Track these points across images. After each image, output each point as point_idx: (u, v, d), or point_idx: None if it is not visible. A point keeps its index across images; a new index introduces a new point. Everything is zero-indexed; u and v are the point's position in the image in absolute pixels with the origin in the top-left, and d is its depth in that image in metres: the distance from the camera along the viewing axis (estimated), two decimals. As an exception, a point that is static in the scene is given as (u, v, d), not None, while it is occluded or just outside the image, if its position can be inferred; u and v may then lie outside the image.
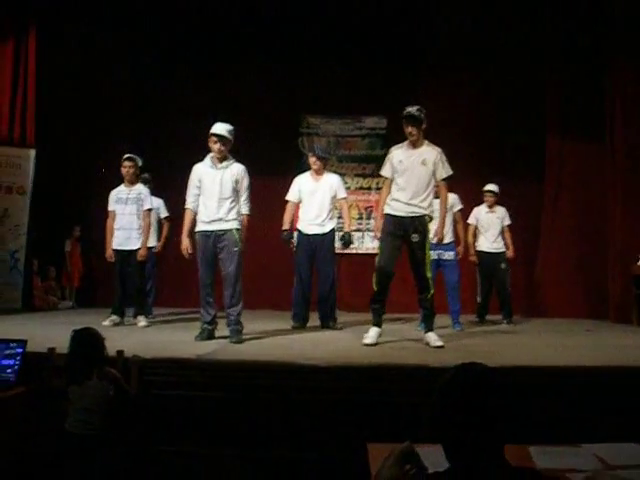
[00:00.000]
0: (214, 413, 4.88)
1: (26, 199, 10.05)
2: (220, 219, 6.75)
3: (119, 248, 8.35)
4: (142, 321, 8.33)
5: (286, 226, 8.30)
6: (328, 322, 8.21)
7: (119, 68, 11.31)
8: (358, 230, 11.80)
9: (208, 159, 6.93)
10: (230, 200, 6.78)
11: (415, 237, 6.53)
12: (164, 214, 9.48)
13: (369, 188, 11.65)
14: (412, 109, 6.61)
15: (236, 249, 6.71)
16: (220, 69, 11.59)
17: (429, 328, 6.68)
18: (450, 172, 6.81)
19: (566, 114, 10.83)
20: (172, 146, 11.16)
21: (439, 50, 11.34)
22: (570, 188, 10.81)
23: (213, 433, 4.82)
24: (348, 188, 11.08)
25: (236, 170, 6.87)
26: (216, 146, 6.79)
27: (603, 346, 6.86)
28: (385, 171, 6.87)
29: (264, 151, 10.81)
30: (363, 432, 4.22)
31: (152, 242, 8.92)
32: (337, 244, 8.48)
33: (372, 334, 6.54)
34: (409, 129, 6.62)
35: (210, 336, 6.77)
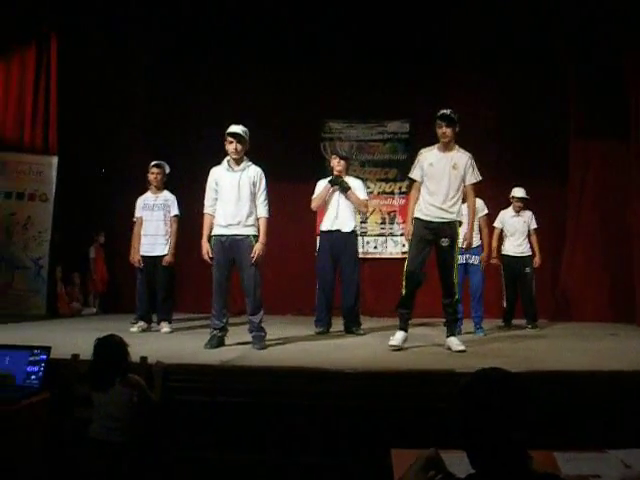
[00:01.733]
0: (238, 419, 4.87)
1: (49, 206, 10.08)
2: (238, 223, 6.70)
3: (146, 254, 8.41)
4: (165, 327, 8.35)
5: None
6: (352, 328, 8.19)
7: (139, 75, 11.35)
8: (381, 235, 11.77)
9: (225, 162, 6.90)
10: (248, 204, 6.73)
11: (445, 242, 6.52)
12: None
13: (392, 193, 11.60)
14: (446, 110, 6.59)
15: (253, 255, 6.67)
16: (239, 74, 11.57)
17: (452, 333, 6.66)
18: (480, 177, 6.81)
19: (590, 116, 10.73)
20: (192, 153, 11.17)
21: (461, 53, 11.28)
22: (595, 191, 10.71)
23: (237, 439, 4.81)
24: (371, 193, 11.09)
25: (253, 172, 6.82)
26: (232, 146, 6.75)
27: (627, 350, 6.79)
28: (415, 174, 6.83)
29: (286, 157, 10.81)
30: (387, 438, 4.20)
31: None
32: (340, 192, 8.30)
33: (398, 337, 6.52)
34: (443, 129, 6.60)
35: (220, 343, 6.68)
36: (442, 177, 6.60)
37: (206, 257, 6.82)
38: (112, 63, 10.87)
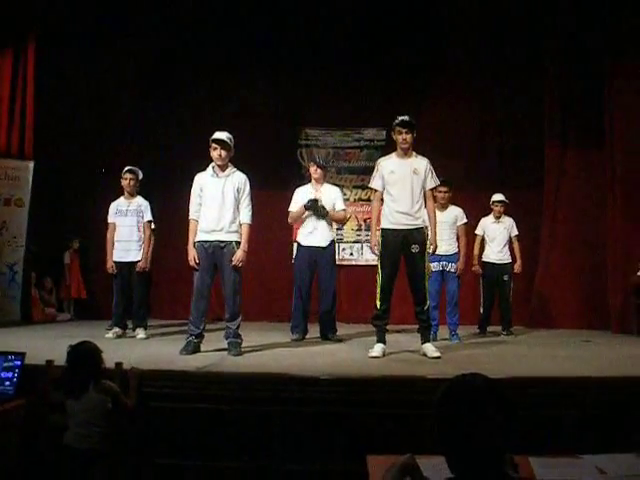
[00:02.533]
0: (213, 425, 4.86)
1: (24, 211, 10.04)
2: (221, 229, 6.66)
3: (119, 260, 8.37)
4: (141, 333, 8.32)
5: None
6: (328, 334, 8.20)
7: (118, 80, 11.29)
8: (357, 242, 11.81)
9: (210, 168, 6.85)
10: (232, 210, 6.69)
11: (415, 248, 6.51)
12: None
13: (368, 199, 11.62)
14: (405, 117, 6.61)
15: (234, 261, 6.65)
16: (218, 81, 11.60)
17: (426, 339, 6.66)
18: (438, 182, 6.90)
19: (565, 123, 10.85)
20: (171, 158, 11.17)
21: (437, 62, 11.39)
22: (569, 198, 10.79)
23: (212, 446, 4.80)
24: (347, 200, 11.12)
25: (237, 179, 6.79)
26: (216, 152, 6.70)
27: (598, 357, 6.85)
28: (375, 184, 6.81)
29: (263, 163, 10.78)
30: (363, 444, 4.20)
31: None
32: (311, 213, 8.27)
33: (377, 349, 6.49)
34: (404, 136, 6.60)
35: (196, 349, 6.61)
36: (405, 183, 6.59)
37: (192, 263, 6.73)
38: (91, 68, 10.84)
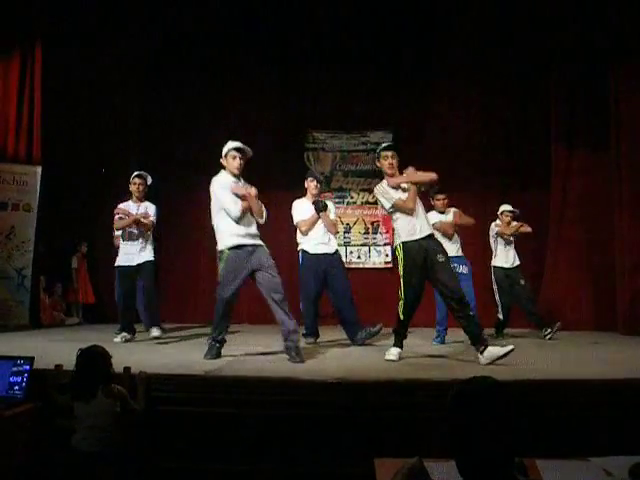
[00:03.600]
0: (221, 429, 4.87)
1: (32, 216, 10.06)
2: (256, 234, 6.65)
3: (126, 264, 8.37)
4: (155, 331, 8.39)
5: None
6: (357, 335, 8.01)
7: (125, 84, 11.33)
8: (364, 245, 11.81)
9: (227, 174, 6.68)
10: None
11: (441, 257, 6.48)
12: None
13: (375, 203, 11.62)
14: (390, 142, 6.61)
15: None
16: (224, 84, 11.64)
17: (484, 343, 6.25)
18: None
19: (572, 125, 10.84)
20: (177, 160, 11.22)
21: (443, 65, 11.39)
22: (577, 200, 10.78)
23: (219, 449, 4.81)
24: (354, 203, 11.19)
25: (252, 189, 6.70)
26: (236, 161, 6.60)
27: (608, 358, 6.82)
28: (392, 203, 6.71)
29: (270, 167, 10.83)
30: (371, 447, 4.21)
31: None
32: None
33: (395, 352, 6.49)
34: (393, 161, 6.72)
35: (219, 354, 6.60)
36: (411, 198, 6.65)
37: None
38: (98, 72, 10.84)
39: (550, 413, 4.66)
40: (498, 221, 9.42)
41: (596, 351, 7.68)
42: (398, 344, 6.59)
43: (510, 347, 6.09)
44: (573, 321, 10.42)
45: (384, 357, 6.48)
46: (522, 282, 9.26)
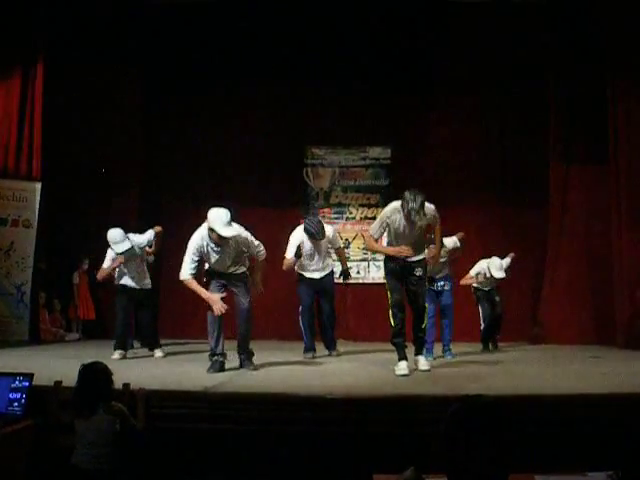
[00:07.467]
0: (221, 445, 4.86)
1: (32, 232, 10.06)
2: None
3: (131, 286, 8.42)
4: (159, 353, 8.47)
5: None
6: (331, 348, 8.58)
7: (127, 103, 11.36)
8: (364, 260, 11.80)
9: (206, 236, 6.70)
10: None
11: (419, 271, 6.69)
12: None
13: (374, 218, 11.62)
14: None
15: None
16: (223, 101, 11.66)
17: (420, 352, 6.88)
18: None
19: (570, 139, 10.85)
20: (179, 177, 11.24)
21: (442, 81, 11.44)
22: (575, 213, 10.79)
23: (220, 466, 4.80)
24: (353, 218, 11.20)
25: None
26: (215, 236, 6.50)
27: (608, 373, 6.81)
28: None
29: (269, 183, 10.86)
30: (371, 463, 4.21)
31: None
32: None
33: (403, 366, 6.54)
34: None
35: (222, 368, 6.69)
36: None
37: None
38: (99, 90, 10.90)
39: (549, 427, 4.66)
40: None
41: (596, 366, 7.67)
42: (403, 356, 6.64)
43: (428, 367, 6.74)
44: (573, 335, 10.42)
45: (394, 373, 6.49)
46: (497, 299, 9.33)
